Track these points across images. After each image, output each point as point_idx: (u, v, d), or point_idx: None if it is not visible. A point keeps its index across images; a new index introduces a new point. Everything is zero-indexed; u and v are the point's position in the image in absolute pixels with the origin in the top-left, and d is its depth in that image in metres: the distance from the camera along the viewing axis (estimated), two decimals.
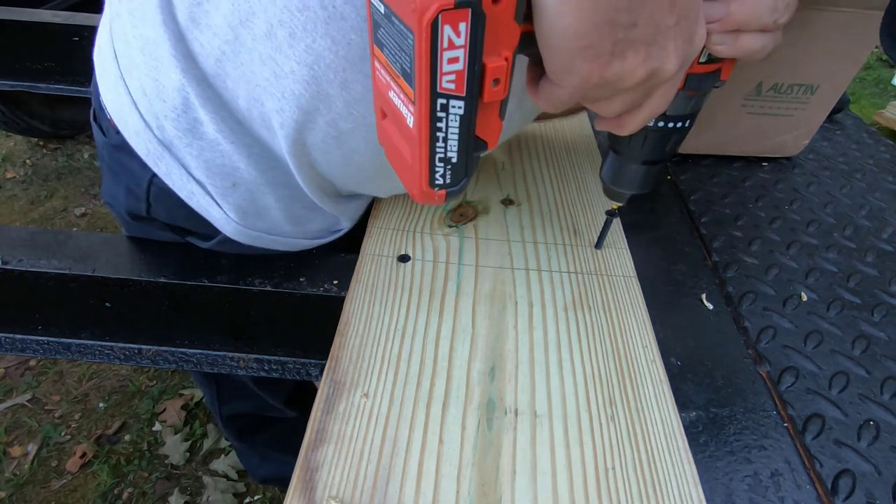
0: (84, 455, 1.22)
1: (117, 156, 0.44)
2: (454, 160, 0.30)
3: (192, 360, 0.50)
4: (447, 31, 0.23)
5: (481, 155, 0.32)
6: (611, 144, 0.40)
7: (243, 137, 0.39)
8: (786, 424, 0.39)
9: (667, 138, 0.36)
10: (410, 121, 0.28)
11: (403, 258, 0.47)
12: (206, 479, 1.20)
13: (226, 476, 1.21)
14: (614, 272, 0.48)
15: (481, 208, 0.54)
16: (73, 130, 2.09)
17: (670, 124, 0.35)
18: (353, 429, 0.34)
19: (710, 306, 0.48)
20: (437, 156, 0.29)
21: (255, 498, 1.18)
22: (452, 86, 0.26)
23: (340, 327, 0.41)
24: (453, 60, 0.24)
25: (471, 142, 0.29)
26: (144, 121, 0.39)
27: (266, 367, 0.50)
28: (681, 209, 0.59)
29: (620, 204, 0.45)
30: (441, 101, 0.26)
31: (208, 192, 0.42)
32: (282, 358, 0.50)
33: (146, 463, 1.23)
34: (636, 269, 0.48)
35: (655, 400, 0.38)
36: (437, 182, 0.31)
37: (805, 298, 0.50)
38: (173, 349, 0.49)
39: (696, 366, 0.42)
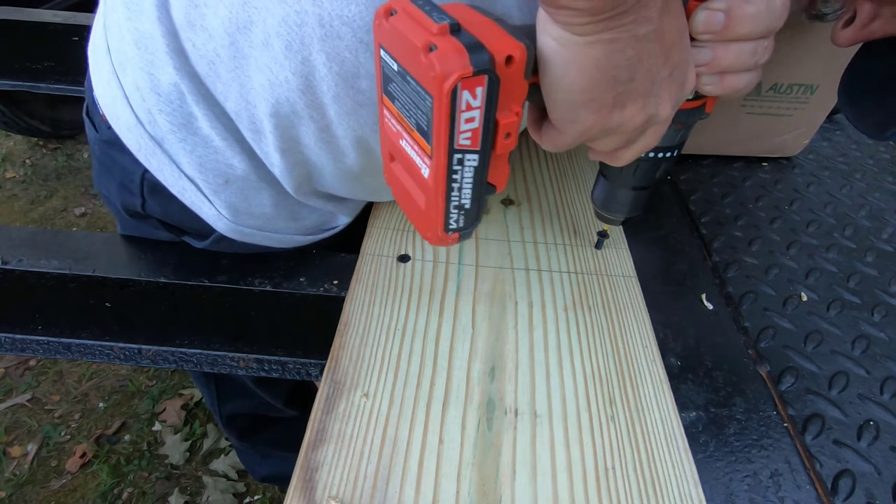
0: (84, 455, 1.22)
1: (109, 151, 0.44)
2: (468, 206, 0.32)
3: (192, 360, 0.50)
4: (465, 96, 0.25)
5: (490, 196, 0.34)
6: (602, 170, 0.42)
7: (235, 134, 0.39)
8: (786, 424, 0.39)
9: (656, 166, 0.38)
10: (426, 172, 0.30)
11: (403, 258, 0.47)
12: (206, 479, 1.20)
13: (226, 476, 1.21)
14: (614, 272, 0.48)
15: None
16: (73, 130, 2.08)
17: (660, 154, 0.37)
18: (353, 429, 0.34)
19: (710, 306, 0.48)
20: (452, 203, 0.31)
21: (255, 498, 1.18)
22: (468, 142, 0.27)
23: (340, 327, 0.41)
24: (470, 120, 0.26)
25: (483, 188, 0.31)
26: (136, 116, 0.39)
27: (266, 367, 0.50)
28: (681, 209, 0.59)
29: (613, 225, 0.47)
30: (457, 156, 0.28)
31: (200, 189, 0.42)
32: (282, 358, 0.50)
33: (146, 463, 1.23)
34: (636, 269, 0.48)
35: (655, 400, 0.38)
36: (451, 227, 0.33)
37: (805, 298, 0.50)
38: (173, 349, 0.49)
39: (696, 366, 0.42)
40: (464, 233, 0.34)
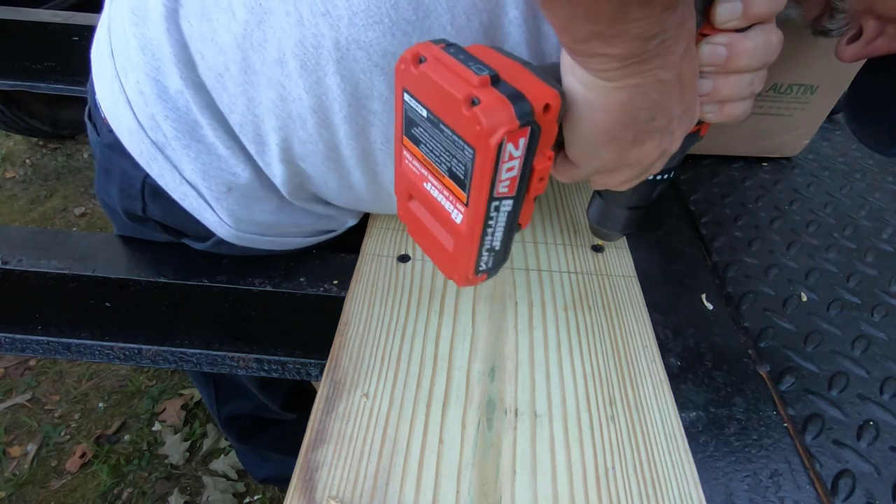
0: (84, 455, 1.22)
1: (110, 155, 0.44)
2: (497, 248, 0.32)
3: (192, 360, 0.50)
4: (509, 148, 0.25)
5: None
6: (598, 190, 0.42)
7: (240, 144, 0.39)
8: (786, 424, 0.39)
9: (653, 188, 0.39)
10: (458, 218, 0.30)
11: (403, 258, 0.47)
12: (206, 478, 1.20)
13: (225, 476, 1.21)
14: (614, 272, 0.48)
15: None
16: (73, 130, 2.08)
17: (658, 177, 0.38)
18: (353, 429, 0.34)
19: (710, 306, 0.48)
20: (484, 248, 0.31)
21: (255, 498, 1.18)
22: (507, 190, 0.28)
23: (340, 327, 0.40)
24: (510, 170, 0.26)
25: (513, 230, 0.31)
26: (138, 121, 0.39)
27: (266, 367, 0.50)
28: (681, 209, 0.59)
29: (608, 241, 0.48)
30: (494, 203, 0.28)
31: (202, 196, 0.42)
32: (282, 358, 0.50)
33: (146, 463, 1.23)
34: (636, 269, 0.48)
35: (655, 400, 0.38)
36: (480, 269, 0.33)
37: (805, 298, 0.50)
38: (173, 349, 0.49)
39: (696, 366, 0.42)
40: (491, 273, 0.34)
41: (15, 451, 1.23)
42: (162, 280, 0.45)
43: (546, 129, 0.26)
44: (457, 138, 0.26)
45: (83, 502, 1.15)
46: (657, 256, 0.52)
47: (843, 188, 0.66)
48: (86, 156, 2.11)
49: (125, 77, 0.39)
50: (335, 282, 0.46)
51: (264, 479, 1.06)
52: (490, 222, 0.29)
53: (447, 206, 0.30)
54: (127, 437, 1.28)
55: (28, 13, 0.94)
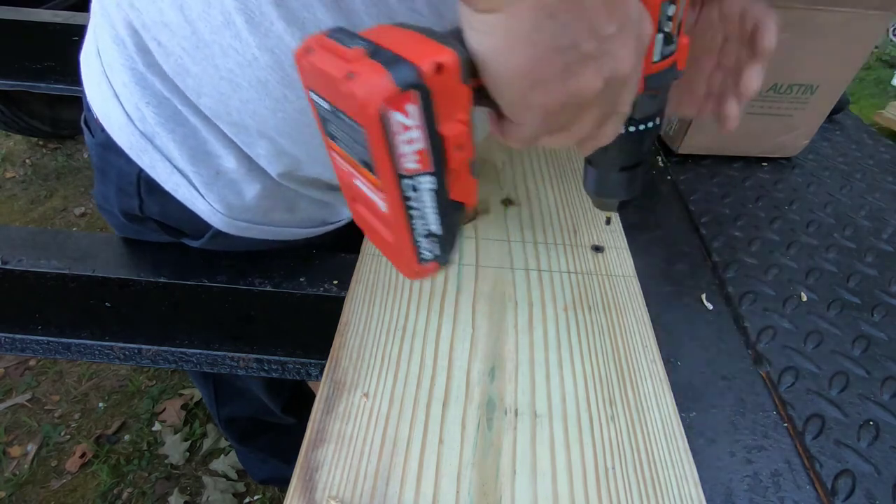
0: (84, 455, 1.22)
1: (105, 154, 0.44)
2: (438, 232, 0.29)
3: (192, 360, 0.50)
4: (396, 118, 0.23)
5: (462, 213, 0.31)
6: (587, 158, 0.39)
7: (217, 126, 0.39)
8: (786, 424, 0.39)
9: (640, 141, 0.36)
10: (382, 206, 0.27)
11: None
12: (206, 478, 1.20)
13: (225, 476, 1.21)
14: (614, 272, 0.48)
15: (481, 208, 0.54)
16: (73, 130, 2.08)
17: (641, 126, 0.34)
18: (353, 429, 0.34)
19: (710, 306, 0.48)
20: (418, 233, 0.29)
21: (255, 498, 1.18)
22: (417, 165, 0.25)
23: (340, 327, 0.40)
24: (410, 142, 0.24)
25: (448, 209, 0.29)
26: (126, 113, 0.39)
27: (266, 367, 0.50)
28: (681, 209, 0.59)
29: (613, 212, 0.45)
30: (408, 181, 0.26)
31: (192, 184, 0.42)
32: (282, 358, 0.50)
33: (146, 463, 1.23)
34: (636, 269, 0.48)
35: (655, 400, 0.38)
36: (424, 257, 0.30)
37: (805, 298, 0.50)
38: (173, 349, 0.49)
39: (696, 366, 0.42)
40: (441, 260, 0.31)
41: (15, 451, 1.23)
42: (162, 280, 0.45)
43: (447, 91, 0.23)
44: (349, 121, 0.24)
45: (83, 502, 1.15)
46: (657, 256, 0.52)
47: (843, 188, 0.66)
48: (86, 156, 2.11)
49: (111, 72, 0.39)
50: (335, 282, 0.46)
51: (264, 480, 1.06)
52: (412, 203, 0.27)
53: (373, 196, 0.28)
54: (127, 437, 1.28)
55: (28, 13, 0.94)
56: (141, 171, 0.42)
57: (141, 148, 0.40)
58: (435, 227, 0.29)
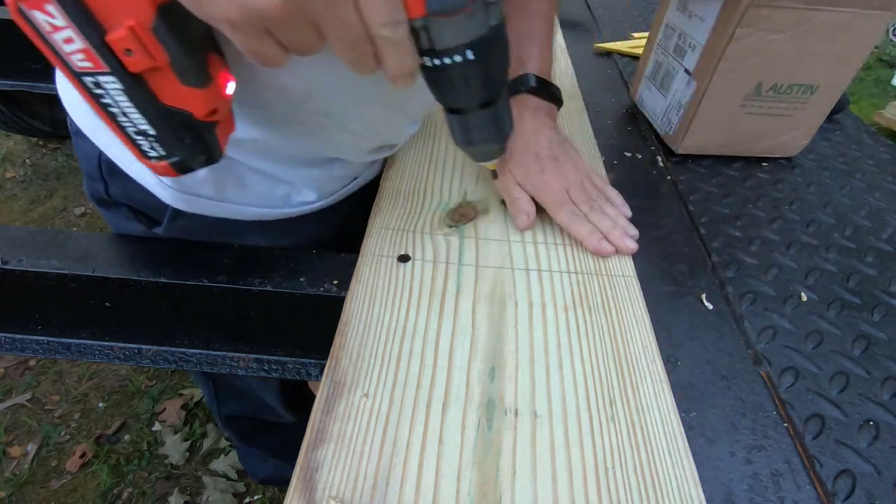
0: (84, 455, 1.22)
1: (77, 142, 0.45)
2: (151, 132, 0.30)
3: (192, 360, 0.50)
4: (39, 17, 0.24)
5: (212, 125, 0.32)
6: (444, 107, 0.36)
7: None
8: (786, 424, 0.39)
9: (483, 68, 0.31)
10: (87, 103, 0.29)
11: (403, 258, 0.47)
12: (206, 478, 1.20)
13: (225, 476, 1.21)
14: (614, 272, 0.48)
15: (481, 208, 0.54)
16: None
17: (446, 60, 0.29)
18: (353, 429, 0.34)
19: (710, 306, 0.48)
20: (129, 129, 0.29)
21: (255, 498, 1.18)
22: (89, 64, 0.26)
23: (340, 327, 0.40)
24: (69, 41, 0.25)
25: (163, 113, 0.29)
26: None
27: (266, 367, 0.50)
28: (681, 209, 0.59)
29: (495, 161, 0.41)
30: (88, 79, 0.27)
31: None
32: (282, 358, 0.50)
33: (146, 463, 1.23)
34: (636, 269, 0.48)
35: (655, 400, 0.38)
36: (150, 154, 0.31)
37: (805, 298, 0.50)
38: (173, 349, 0.49)
39: (696, 366, 0.42)
40: (174, 162, 0.31)
41: (15, 451, 1.23)
42: (162, 280, 0.45)
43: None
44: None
45: (83, 502, 1.15)
46: (657, 256, 0.52)
47: (843, 188, 0.66)
48: None
49: None
50: (335, 282, 0.46)
51: (264, 480, 1.06)
52: (104, 100, 0.28)
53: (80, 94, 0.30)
54: (127, 437, 1.28)
55: None
56: (101, 152, 0.42)
57: (96, 126, 0.40)
58: (145, 126, 0.29)
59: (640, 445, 0.35)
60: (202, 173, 0.43)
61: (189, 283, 0.45)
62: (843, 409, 0.41)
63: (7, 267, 0.44)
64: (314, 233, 0.56)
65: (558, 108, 0.58)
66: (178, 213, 0.46)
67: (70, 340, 0.49)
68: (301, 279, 0.46)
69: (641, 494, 0.32)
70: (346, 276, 0.46)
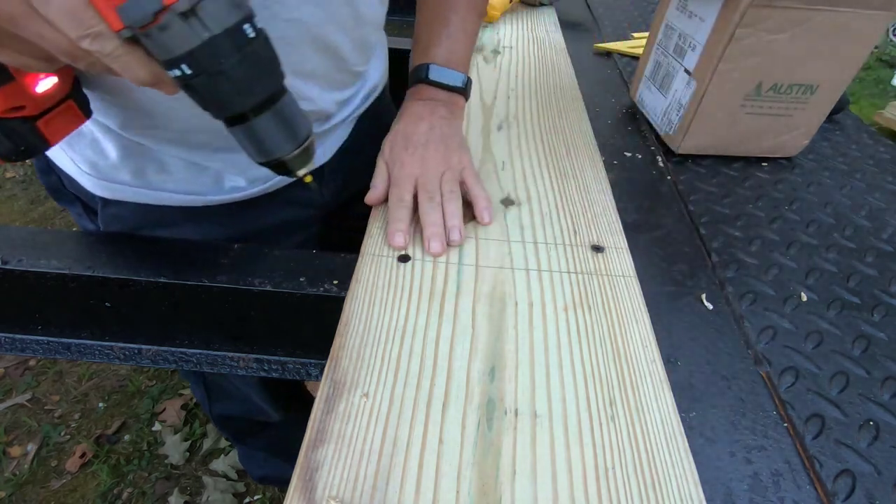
0: (84, 455, 1.22)
1: None
2: None
3: (192, 360, 0.50)
4: None
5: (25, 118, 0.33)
6: (225, 123, 0.33)
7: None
8: (786, 424, 0.39)
9: (211, 81, 0.29)
10: None
11: (403, 258, 0.47)
12: (206, 478, 1.20)
13: (225, 476, 1.21)
14: (614, 272, 0.48)
15: None
16: None
17: (185, 70, 0.27)
18: (353, 429, 0.34)
19: (710, 306, 0.48)
20: None
21: (255, 498, 1.18)
22: None
23: (340, 327, 0.40)
24: None
25: None
26: None
27: (266, 367, 0.50)
28: (681, 209, 0.59)
29: (308, 168, 0.37)
30: None
31: (62, 147, 0.42)
32: (282, 358, 0.50)
33: (146, 463, 1.23)
34: (636, 269, 0.48)
35: (655, 400, 0.38)
36: None
37: (805, 298, 0.50)
38: (173, 349, 0.49)
39: (696, 366, 0.42)
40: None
41: (15, 451, 1.23)
42: (162, 280, 0.45)
43: None
44: None
45: (83, 502, 1.15)
46: (657, 256, 0.52)
47: (843, 188, 0.66)
48: None
49: None
50: (335, 282, 0.46)
51: (262, 479, 1.06)
52: None
53: None
54: (127, 437, 1.28)
55: None
56: None
57: None
58: None
59: (640, 445, 0.35)
60: (113, 158, 0.42)
61: (189, 283, 0.45)
62: (843, 409, 0.41)
63: (7, 267, 0.44)
64: (251, 223, 0.54)
65: (466, 99, 0.57)
66: (106, 202, 0.45)
67: (70, 340, 0.49)
68: (301, 279, 0.46)
69: (641, 494, 0.32)
70: (346, 276, 0.46)
